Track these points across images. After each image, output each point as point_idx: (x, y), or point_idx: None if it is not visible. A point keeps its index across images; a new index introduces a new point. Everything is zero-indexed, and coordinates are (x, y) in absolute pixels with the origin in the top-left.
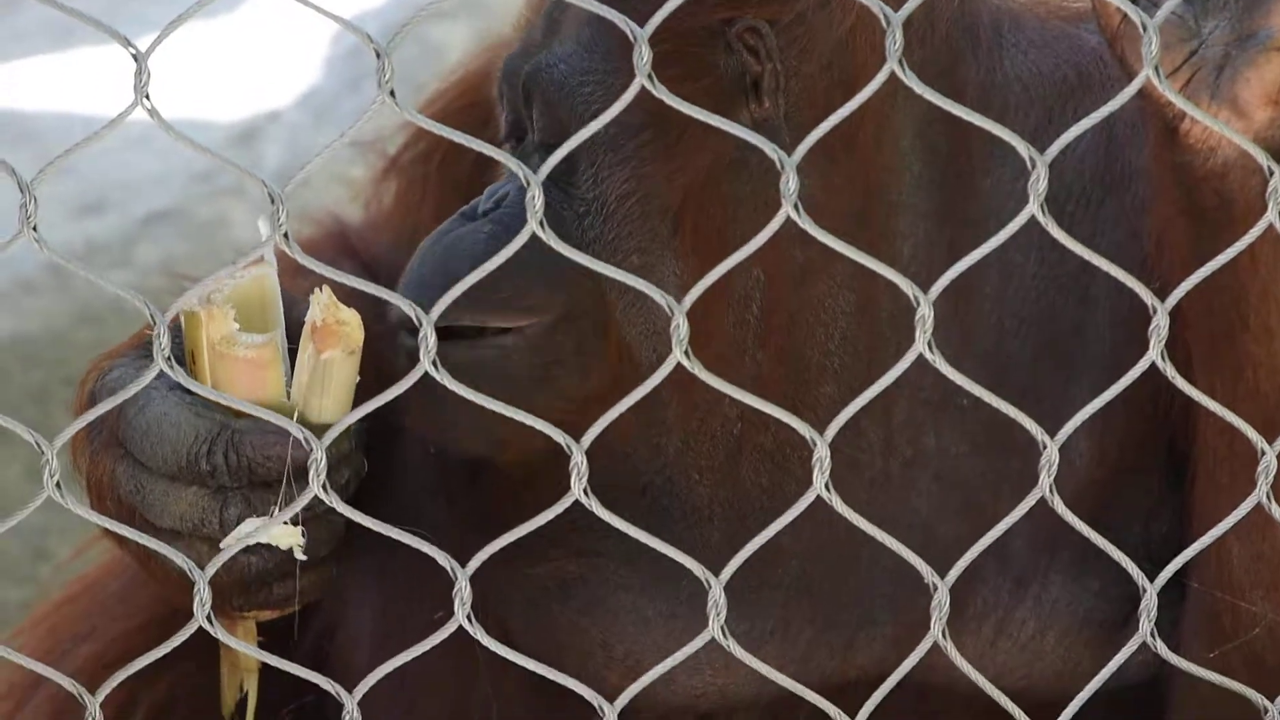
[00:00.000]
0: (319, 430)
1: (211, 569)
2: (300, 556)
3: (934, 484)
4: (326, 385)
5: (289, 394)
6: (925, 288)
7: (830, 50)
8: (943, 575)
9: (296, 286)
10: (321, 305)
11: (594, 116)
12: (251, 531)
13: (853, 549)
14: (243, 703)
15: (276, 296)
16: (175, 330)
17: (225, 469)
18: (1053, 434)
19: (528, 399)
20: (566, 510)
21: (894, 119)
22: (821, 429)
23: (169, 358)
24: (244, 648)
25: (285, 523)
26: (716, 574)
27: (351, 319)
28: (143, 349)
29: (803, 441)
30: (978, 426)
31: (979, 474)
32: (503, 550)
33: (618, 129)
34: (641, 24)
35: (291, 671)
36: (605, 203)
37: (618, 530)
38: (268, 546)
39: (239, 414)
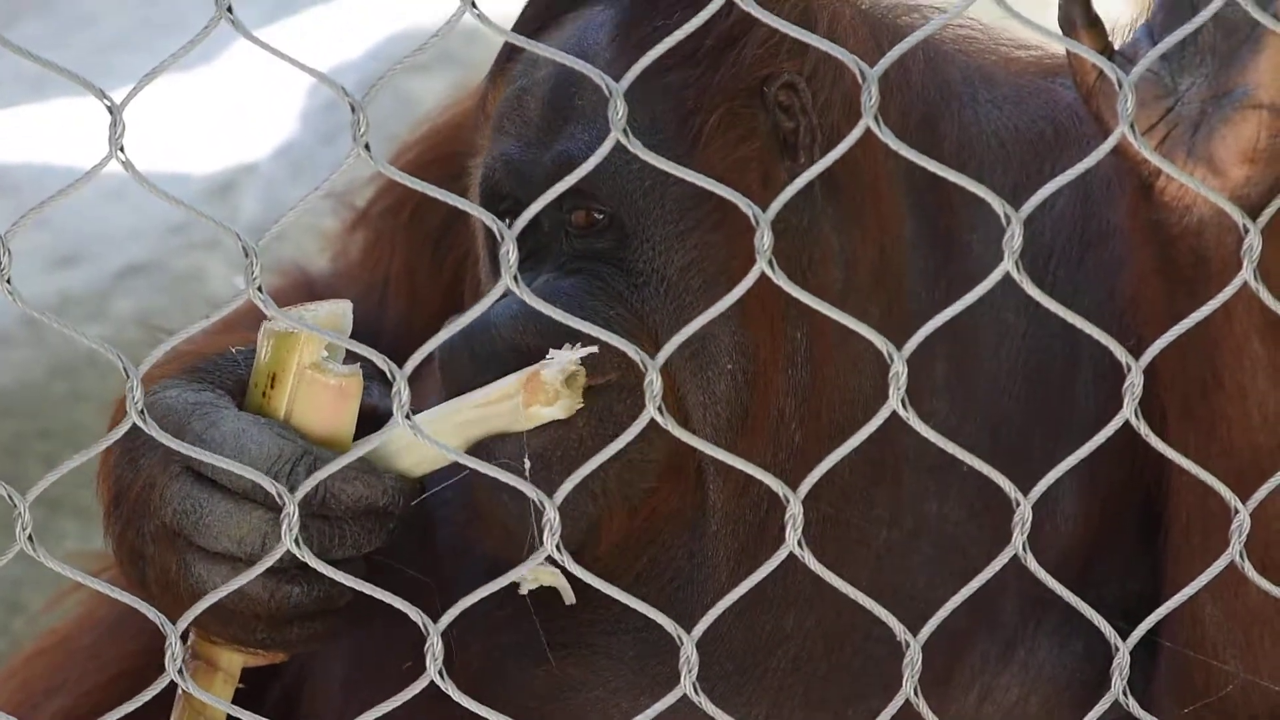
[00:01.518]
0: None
1: (183, 622)
2: (570, 600)
3: (934, 552)
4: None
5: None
6: (928, 346)
7: (844, 101)
8: (937, 644)
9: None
10: (563, 363)
11: (645, 193)
12: (534, 573)
13: (849, 628)
14: None
15: (348, 331)
16: (234, 361)
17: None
18: (1040, 497)
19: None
20: (573, 611)
21: (894, 173)
22: (841, 502)
23: (142, 411)
24: (211, 699)
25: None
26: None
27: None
28: (191, 373)
29: (819, 520)
30: (975, 492)
31: (975, 539)
32: (499, 655)
33: (675, 202)
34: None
35: (225, 710)
36: (665, 275)
37: (624, 627)
38: (310, 579)
39: (314, 441)
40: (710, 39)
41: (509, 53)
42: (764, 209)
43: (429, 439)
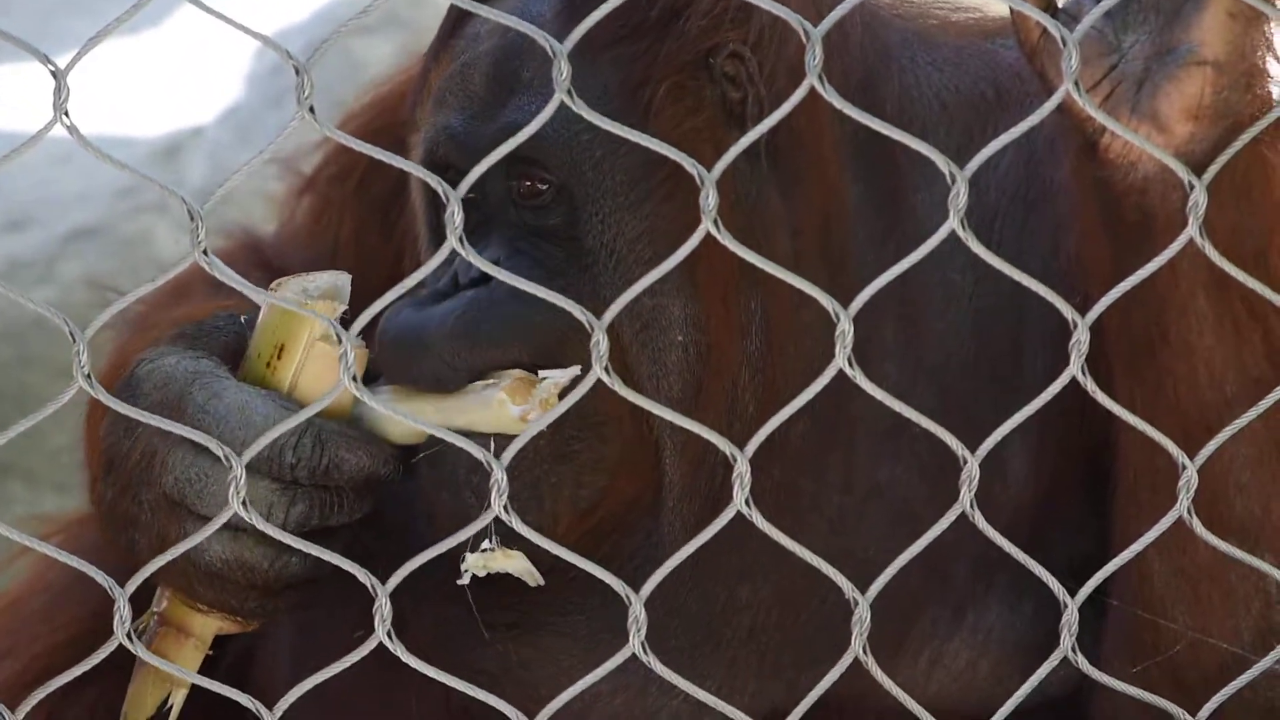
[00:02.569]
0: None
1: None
2: (536, 582)
3: (886, 516)
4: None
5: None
6: (877, 309)
7: (789, 68)
8: (888, 610)
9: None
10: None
11: (594, 165)
12: (484, 560)
13: (804, 597)
14: (159, 715)
15: (346, 300)
16: (222, 327)
17: (307, 463)
18: (989, 457)
19: (550, 477)
20: (524, 589)
21: (839, 138)
22: (794, 469)
23: (89, 375)
24: (170, 667)
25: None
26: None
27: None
28: (183, 339)
29: (772, 488)
30: (928, 455)
31: (927, 501)
32: (449, 633)
33: (625, 173)
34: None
35: (213, 689)
36: (615, 248)
37: (570, 607)
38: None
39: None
40: (655, 10)
41: (450, 29)
42: (726, 185)
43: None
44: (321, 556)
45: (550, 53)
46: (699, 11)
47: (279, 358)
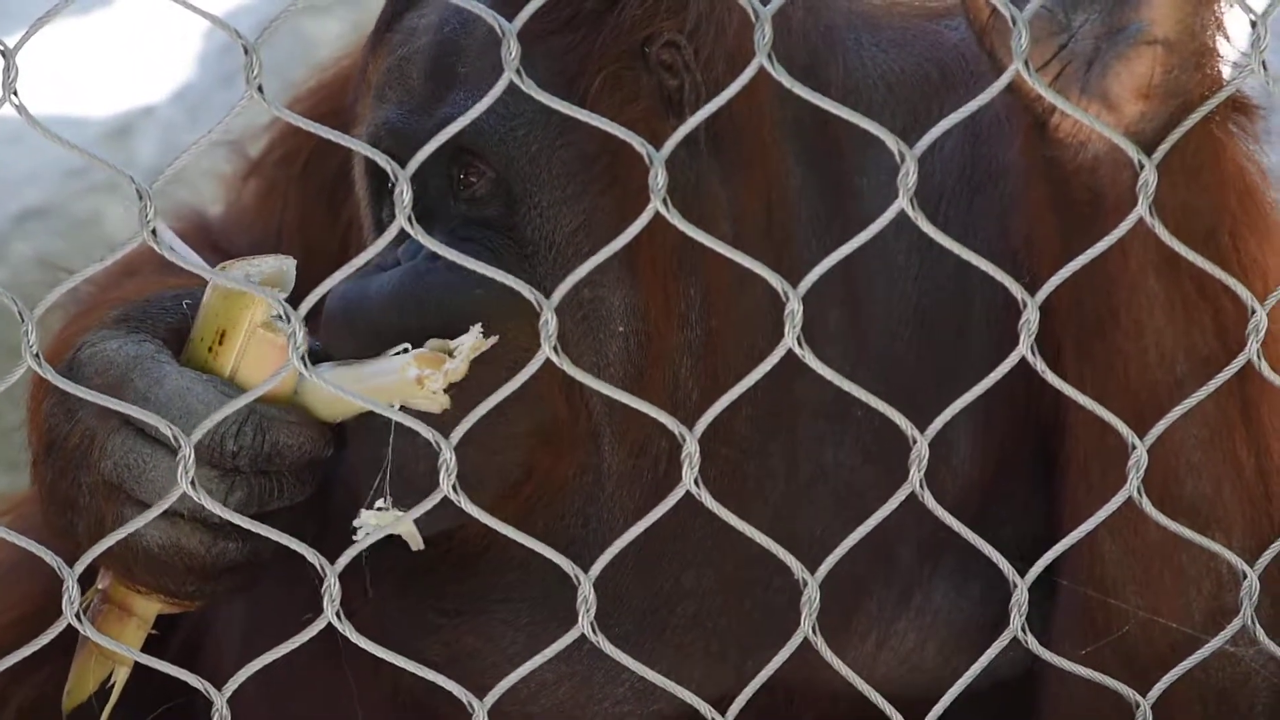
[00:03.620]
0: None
1: (80, 565)
2: (418, 546)
3: (831, 500)
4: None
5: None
6: (821, 293)
7: (728, 55)
8: (835, 592)
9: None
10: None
11: (531, 159)
12: (380, 525)
13: (748, 582)
14: (102, 693)
15: (290, 286)
16: (166, 309)
17: (249, 451)
18: (936, 438)
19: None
20: (466, 577)
21: (779, 124)
22: (739, 454)
23: (37, 355)
24: (114, 645)
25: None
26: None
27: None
28: (126, 322)
29: (716, 474)
30: (872, 438)
31: (872, 484)
32: (391, 624)
33: (562, 167)
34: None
35: (162, 669)
36: (553, 240)
37: (514, 595)
38: (245, 535)
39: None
40: (590, 2)
41: (387, 22)
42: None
43: (331, 385)
44: (274, 538)
45: (499, 31)
46: (634, 1)
47: (220, 343)
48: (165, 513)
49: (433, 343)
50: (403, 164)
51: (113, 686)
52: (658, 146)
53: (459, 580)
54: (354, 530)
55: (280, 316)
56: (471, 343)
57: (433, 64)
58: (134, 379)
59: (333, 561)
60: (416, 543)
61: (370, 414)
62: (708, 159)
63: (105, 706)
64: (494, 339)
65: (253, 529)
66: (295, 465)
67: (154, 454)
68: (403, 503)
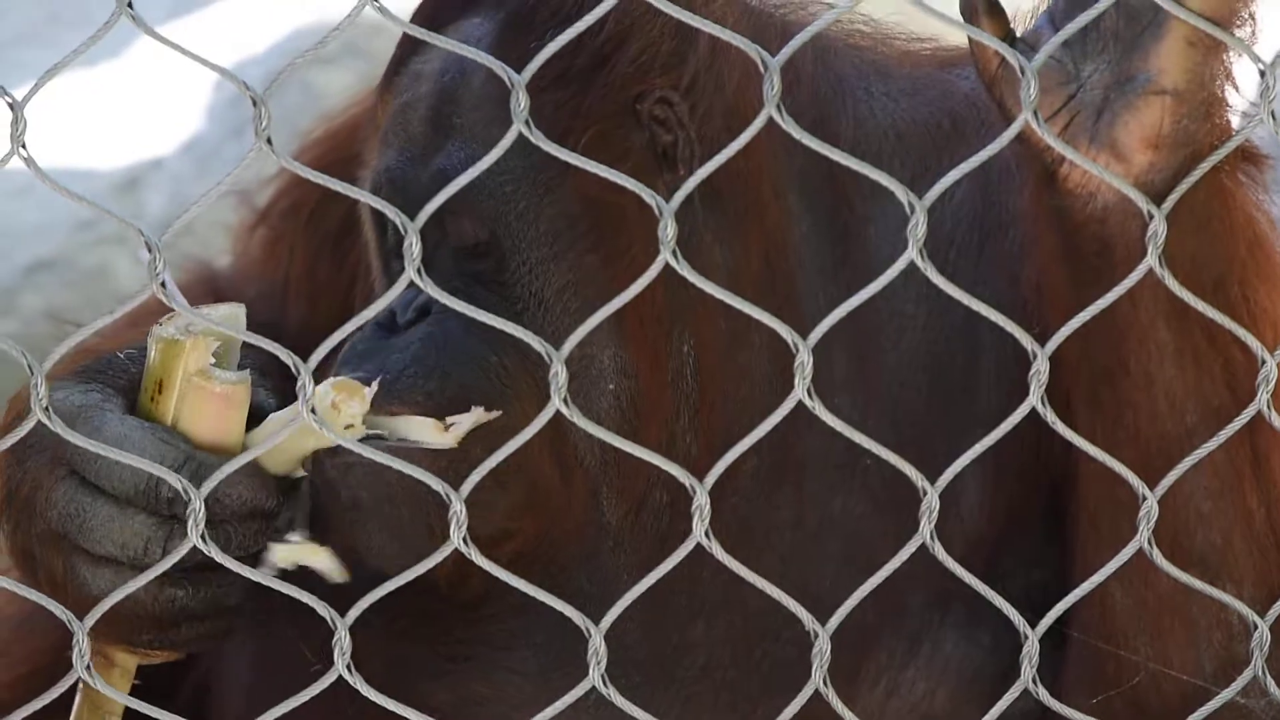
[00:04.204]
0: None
1: (90, 619)
2: (343, 578)
3: (840, 549)
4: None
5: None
6: (828, 342)
7: (726, 109)
8: (843, 641)
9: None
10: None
11: (519, 215)
12: (288, 552)
13: (758, 633)
14: None
15: (240, 338)
16: (128, 361)
17: (185, 499)
18: (944, 489)
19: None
20: (472, 623)
21: (781, 175)
22: (745, 505)
23: (46, 408)
24: (114, 694)
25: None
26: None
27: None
28: (82, 375)
29: (723, 526)
30: (880, 487)
31: (881, 534)
32: (401, 669)
33: (548, 225)
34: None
35: (153, 715)
36: (542, 299)
37: (527, 642)
38: (195, 582)
39: (199, 447)
40: (581, 59)
41: (397, 65)
42: (644, 227)
43: (354, 445)
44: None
45: (509, 83)
46: (626, 59)
47: (160, 392)
48: (110, 561)
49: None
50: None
51: None
52: (646, 205)
53: (467, 625)
54: (260, 563)
55: (216, 364)
56: (473, 418)
57: (432, 112)
58: (76, 427)
59: (343, 614)
60: (342, 575)
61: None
62: (703, 215)
63: None
64: (497, 413)
65: (248, 575)
66: (236, 515)
67: (94, 503)
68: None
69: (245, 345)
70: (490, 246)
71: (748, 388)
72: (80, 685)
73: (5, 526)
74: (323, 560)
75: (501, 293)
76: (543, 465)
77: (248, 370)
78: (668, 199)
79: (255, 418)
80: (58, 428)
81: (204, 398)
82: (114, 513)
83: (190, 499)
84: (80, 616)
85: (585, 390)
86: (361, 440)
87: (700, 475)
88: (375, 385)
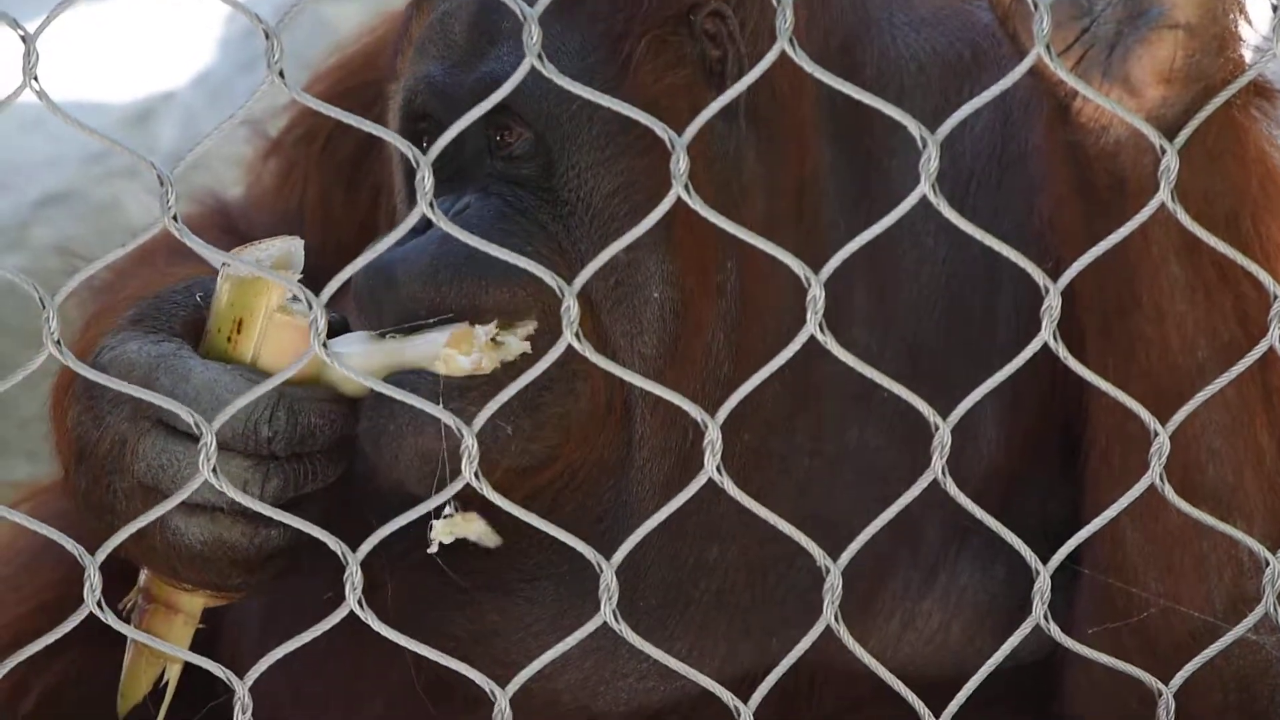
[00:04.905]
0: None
1: (102, 553)
2: (496, 543)
3: (855, 479)
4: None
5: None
6: (848, 274)
7: (772, 30)
8: (860, 570)
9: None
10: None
11: (571, 117)
12: (449, 526)
13: (773, 559)
14: (157, 692)
15: (299, 268)
16: (178, 303)
17: (284, 435)
18: (960, 421)
19: (507, 428)
20: (488, 552)
21: (816, 100)
22: (763, 432)
23: (58, 341)
24: (157, 643)
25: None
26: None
27: None
28: (140, 322)
29: (741, 451)
30: (897, 419)
31: (895, 466)
32: (419, 598)
33: (602, 127)
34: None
35: (195, 662)
36: (590, 202)
37: (540, 573)
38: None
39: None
40: None
41: None
42: (703, 140)
43: (349, 370)
44: (299, 527)
45: (520, 16)
46: None
47: (239, 332)
48: (205, 508)
49: (457, 327)
50: (440, 120)
51: (166, 684)
52: (694, 116)
53: (485, 556)
54: (429, 541)
55: (295, 298)
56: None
57: (476, 18)
58: (160, 377)
59: (354, 548)
60: (495, 540)
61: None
62: (746, 131)
63: (161, 706)
64: (530, 328)
65: (277, 517)
66: (327, 445)
67: (187, 452)
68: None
69: None
70: (537, 150)
71: (785, 308)
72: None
73: (80, 483)
74: (477, 529)
75: (547, 198)
76: (593, 380)
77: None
78: (718, 114)
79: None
80: (70, 361)
81: (288, 332)
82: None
83: (202, 431)
84: (177, 567)
85: (630, 296)
86: None
87: (732, 391)
88: (491, 328)
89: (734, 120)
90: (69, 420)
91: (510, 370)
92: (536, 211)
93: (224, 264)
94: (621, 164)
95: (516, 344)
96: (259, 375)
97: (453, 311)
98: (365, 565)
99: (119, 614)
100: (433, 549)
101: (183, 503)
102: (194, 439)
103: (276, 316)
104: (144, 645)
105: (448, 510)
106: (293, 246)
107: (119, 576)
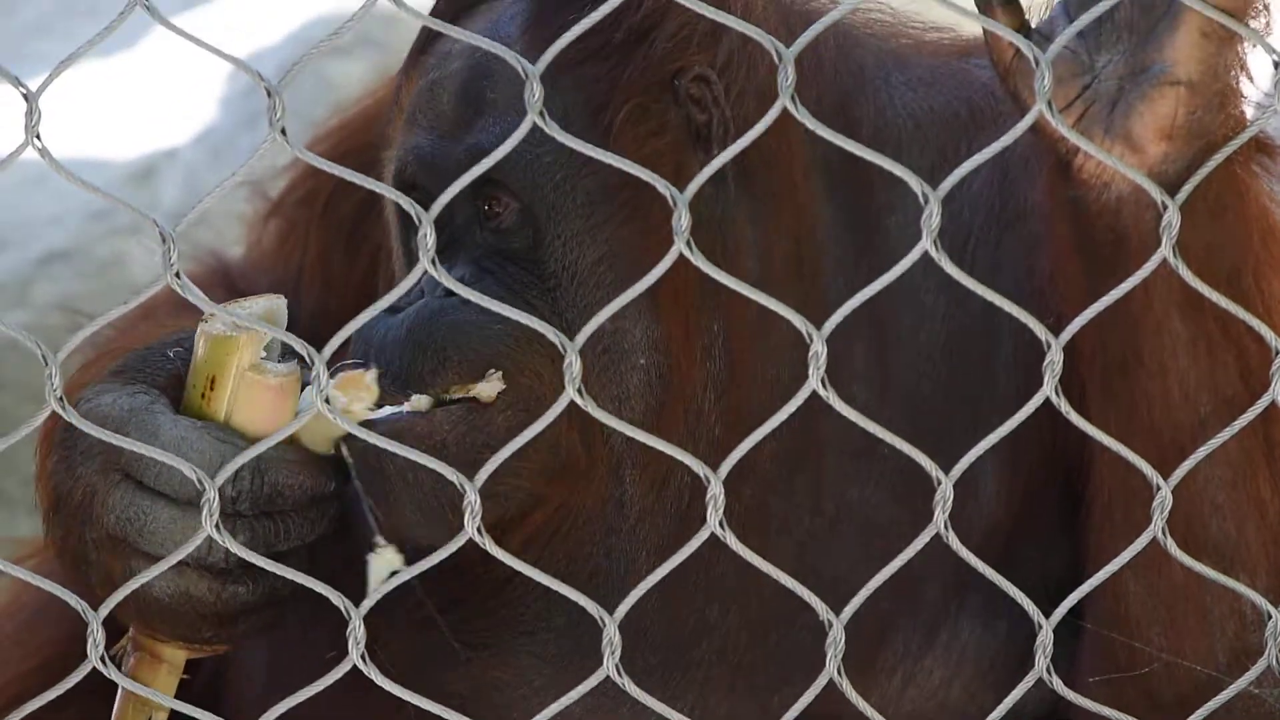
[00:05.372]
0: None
1: (105, 609)
2: (403, 577)
3: (856, 536)
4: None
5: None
6: (847, 331)
7: (758, 91)
8: (860, 629)
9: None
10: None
11: (555, 187)
12: (383, 561)
13: (774, 618)
14: None
15: (283, 326)
16: (164, 358)
17: (249, 494)
18: (961, 476)
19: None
20: (493, 610)
21: (809, 161)
22: (763, 490)
23: (61, 399)
24: (143, 690)
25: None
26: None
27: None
28: (122, 375)
29: (741, 510)
30: (897, 476)
31: (897, 522)
32: (417, 655)
33: (585, 196)
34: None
35: (192, 714)
36: (576, 271)
37: (539, 626)
38: (254, 577)
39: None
40: (620, 33)
41: (422, 45)
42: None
43: (352, 427)
44: (297, 580)
45: (522, 74)
46: (665, 34)
47: (211, 389)
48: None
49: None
50: (430, 191)
51: None
52: (683, 181)
53: (485, 613)
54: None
55: (267, 357)
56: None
57: (463, 89)
58: (130, 432)
59: (356, 602)
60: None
61: (348, 439)
62: (735, 194)
63: None
64: (500, 386)
65: (274, 570)
66: (298, 504)
67: (154, 506)
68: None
69: None
70: (524, 221)
71: (775, 370)
72: (121, 691)
73: (55, 532)
74: (394, 557)
75: (535, 269)
76: (569, 438)
77: (295, 360)
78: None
79: None
80: (72, 417)
81: (259, 391)
82: (175, 515)
83: (204, 487)
84: (148, 619)
85: (616, 364)
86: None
87: (724, 454)
88: (374, 371)
89: (723, 183)
90: (47, 467)
91: (487, 420)
92: (525, 290)
93: (201, 321)
94: (606, 232)
95: (488, 388)
96: (228, 433)
97: (426, 378)
98: (366, 623)
99: (108, 661)
100: (376, 583)
101: (152, 557)
102: (161, 494)
103: (247, 375)
104: (131, 693)
105: (379, 541)
106: (275, 304)
107: (113, 628)
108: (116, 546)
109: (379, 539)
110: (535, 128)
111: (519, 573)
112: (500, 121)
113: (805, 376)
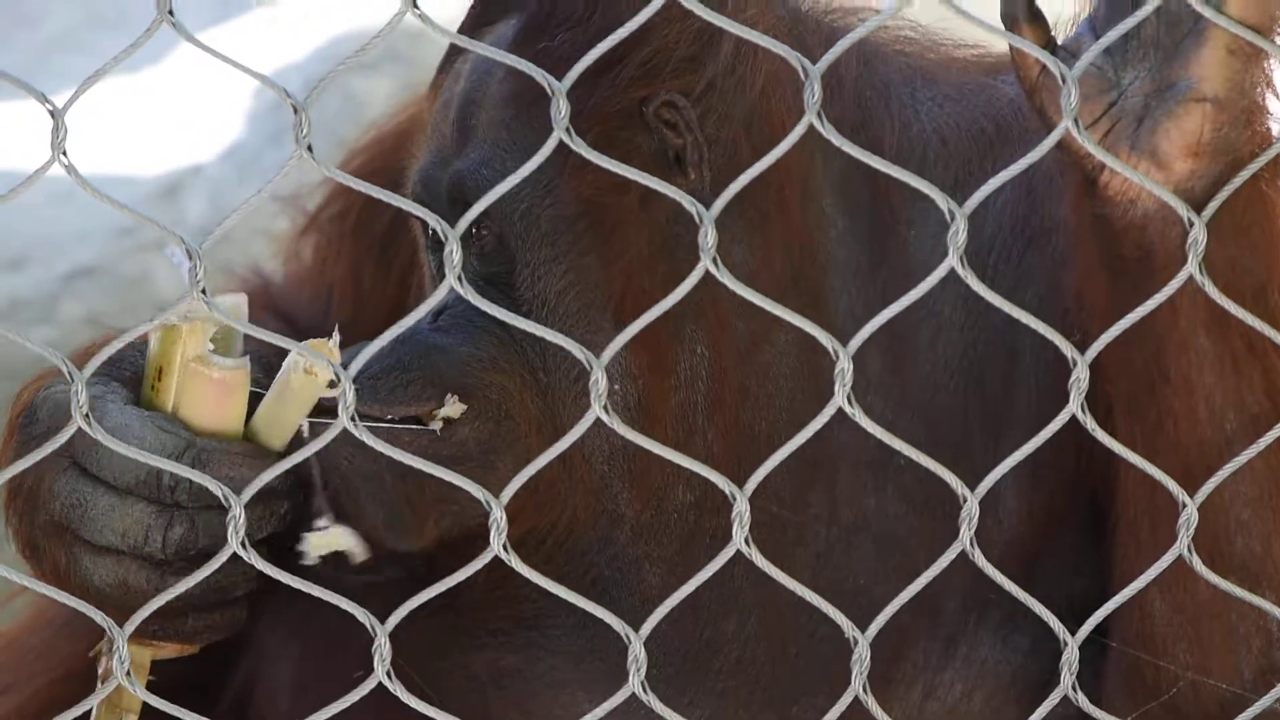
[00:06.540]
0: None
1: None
2: (364, 557)
3: (873, 547)
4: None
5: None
6: (862, 346)
7: (746, 114)
8: (879, 642)
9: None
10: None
11: (521, 216)
12: (320, 539)
13: (792, 631)
14: None
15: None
16: (133, 352)
17: (187, 486)
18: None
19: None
20: (507, 601)
21: (814, 177)
22: (777, 503)
23: (87, 415)
24: (152, 699)
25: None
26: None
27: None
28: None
29: (756, 524)
30: (914, 486)
31: (915, 534)
32: (439, 638)
33: (549, 225)
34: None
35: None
36: (545, 299)
37: (558, 622)
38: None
39: (199, 433)
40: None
41: (444, 65)
42: (644, 230)
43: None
44: (325, 598)
45: (549, 90)
46: (634, 62)
47: (159, 379)
48: (111, 551)
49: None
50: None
51: None
52: (651, 208)
53: (508, 603)
54: (300, 555)
55: (215, 350)
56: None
57: (459, 114)
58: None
59: (383, 620)
60: (364, 553)
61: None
62: (719, 215)
63: None
64: (463, 407)
65: (295, 585)
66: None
67: (94, 493)
68: (348, 512)
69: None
70: (500, 247)
71: (771, 385)
72: (99, 683)
73: (12, 521)
74: (347, 541)
75: (510, 295)
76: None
77: (247, 357)
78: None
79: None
80: (98, 434)
81: (202, 383)
82: (114, 502)
83: (231, 505)
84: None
85: (589, 390)
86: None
87: (723, 472)
88: (336, 336)
89: (704, 205)
90: (7, 459)
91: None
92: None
93: (158, 312)
94: (567, 262)
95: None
96: (172, 423)
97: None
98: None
99: (132, 676)
100: (308, 561)
101: (92, 545)
102: (102, 481)
103: (190, 366)
104: (106, 696)
105: (321, 523)
106: (240, 302)
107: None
108: (60, 533)
109: (324, 520)
110: (504, 157)
111: (515, 571)
112: (479, 149)
113: (807, 388)
